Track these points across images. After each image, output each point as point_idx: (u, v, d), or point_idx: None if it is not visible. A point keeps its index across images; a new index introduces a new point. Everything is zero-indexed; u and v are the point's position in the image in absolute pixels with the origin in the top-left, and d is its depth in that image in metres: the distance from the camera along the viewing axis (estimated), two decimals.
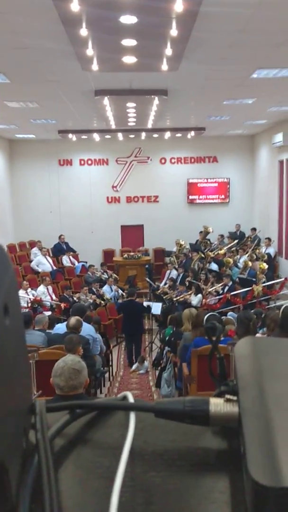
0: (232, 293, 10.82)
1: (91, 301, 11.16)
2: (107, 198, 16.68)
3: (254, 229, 15.46)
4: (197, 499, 0.43)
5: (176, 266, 13.43)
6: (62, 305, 10.80)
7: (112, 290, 12.44)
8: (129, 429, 0.48)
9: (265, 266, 11.50)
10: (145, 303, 10.43)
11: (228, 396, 0.50)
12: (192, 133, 14.79)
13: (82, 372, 2.89)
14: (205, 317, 5.49)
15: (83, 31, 5.52)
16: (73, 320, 5.93)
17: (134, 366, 9.43)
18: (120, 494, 0.40)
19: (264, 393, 0.46)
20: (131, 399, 0.54)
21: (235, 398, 0.49)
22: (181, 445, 0.50)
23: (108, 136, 14.97)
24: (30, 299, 10.83)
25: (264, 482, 0.36)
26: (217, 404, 0.49)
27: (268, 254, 13.08)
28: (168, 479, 0.45)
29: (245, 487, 0.41)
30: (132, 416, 0.51)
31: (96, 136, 14.84)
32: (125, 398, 0.55)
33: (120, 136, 14.81)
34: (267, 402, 0.44)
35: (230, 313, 9.43)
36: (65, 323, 6.27)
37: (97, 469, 0.47)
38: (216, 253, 13.77)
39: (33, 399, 0.53)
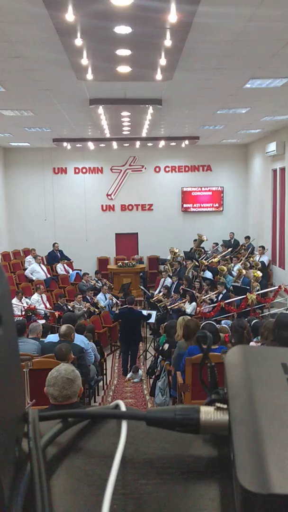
0: (226, 301, 10.83)
1: (85, 309, 11.13)
2: (102, 206, 16.71)
3: (248, 238, 15.53)
4: (187, 506, 0.44)
5: (171, 274, 13.44)
6: (56, 313, 10.76)
7: (106, 298, 12.42)
8: (121, 437, 0.49)
9: (259, 274, 11.54)
10: (145, 312, 10.42)
11: (218, 405, 0.51)
12: (186, 142, 14.88)
13: (76, 381, 2.88)
14: (202, 325, 5.48)
15: (78, 41, 5.56)
16: (63, 327, 5.93)
17: (128, 375, 9.40)
18: (111, 502, 0.41)
19: (254, 401, 0.47)
20: (123, 408, 0.55)
21: (225, 406, 0.50)
22: (172, 453, 0.51)
23: (102, 145, 15.03)
24: (24, 307, 10.79)
25: (252, 488, 0.37)
26: (207, 412, 0.50)
27: (262, 262, 13.13)
28: (159, 487, 0.46)
29: (234, 494, 0.42)
30: (124, 425, 0.52)
31: (90, 145, 14.89)
32: (117, 406, 0.56)
33: (114, 144, 14.87)
34: (256, 410, 0.45)
35: (224, 321, 9.44)
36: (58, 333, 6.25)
37: (89, 477, 0.47)
38: (210, 261, 13.80)
39: (26, 408, 0.53)
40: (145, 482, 0.46)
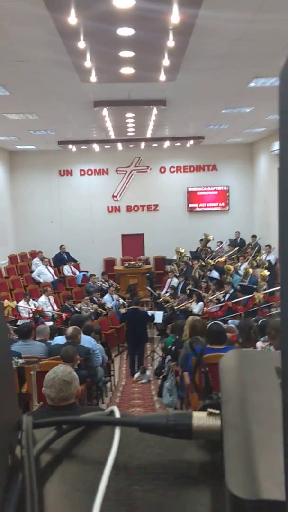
0: (233, 301, 10.79)
1: (93, 310, 11.15)
2: (108, 207, 16.73)
3: (254, 236, 15.47)
4: (179, 511, 0.44)
5: (177, 274, 13.42)
6: (64, 315, 10.78)
7: (113, 299, 12.43)
8: (113, 444, 0.49)
9: (266, 273, 11.48)
10: (149, 312, 10.42)
11: (210, 410, 0.51)
12: (191, 142, 14.86)
13: (73, 383, 2.88)
14: (208, 325, 5.46)
15: (81, 44, 5.58)
16: (70, 329, 5.94)
17: (136, 376, 9.40)
18: (103, 508, 0.41)
19: (246, 407, 0.47)
20: (117, 414, 0.55)
21: (217, 411, 0.50)
22: (165, 458, 0.51)
23: (107, 146, 15.05)
24: (31, 309, 10.82)
25: (240, 494, 0.37)
26: (199, 418, 0.50)
27: (269, 261, 13.06)
28: (151, 493, 0.46)
29: (225, 500, 0.42)
30: (117, 431, 0.52)
31: (95, 147, 14.92)
32: (112, 412, 0.56)
33: (119, 146, 14.88)
34: (248, 416, 0.45)
35: (231, 320, 9.41)
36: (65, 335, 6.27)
37: (82, 483, 0.48)
38: (216, 261, 13.76)
39: (24, 414, 0.54)
40: (137, 488, 0.47)
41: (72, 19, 4.84)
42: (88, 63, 6.30)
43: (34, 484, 0.43)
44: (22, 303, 10.96)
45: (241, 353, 0.59)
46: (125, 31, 5.32)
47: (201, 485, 0.47)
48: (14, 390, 0.53)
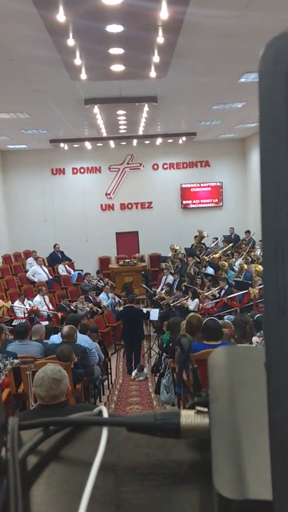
0: (228, 297, 10.81)
1: (88, 309, 11.14)
2: (101, 205, 16.70)
3: (248, 232, 15.50)
4: None
5: (172, 271, 13.43)
6: (59, 314, 10.76)
7: (109, 298, 12.42)
8: (100, 445, 0.49)
9: (261, 268, 11.48)
10: (145, 310, 10.42)
11: (198, 408, 0.50)
12: (184, 138, 14.85)
13: (63, 381, 2.87)
14: (204, 321, 5.46)
15: (70, 41, 5.55)
16: (66, 328, 5.93)
17: (133, 373, 9.40)
18: (90, 510, 0.40)
19: (234, 404, 0.46)
20: (105, 414, 0.55)
21: (205, 409, 0.50)
22: (154, 458, 0.50)
23: (100, 144, 15.01)
24: (27, 309, 10.79)
25: (227, 494, 0.36)
26: (187, 416, 0.50)
27: (262, 258, 13.07)
28: (139, 494, 0.45)
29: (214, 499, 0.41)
30: (104, 432, 0.51)
31: (88, 145, 14.87)
32: (100, 413, 0.55)
33: (111, 143, 14.85)
34: (236, 414, 0.45)
35: (227, 316, 9.43)
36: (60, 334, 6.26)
37: (69, 486, 0.47)
38: (211, 257, 13.77)
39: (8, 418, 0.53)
40: (125, 489, 0.46)
41: (61, 16, 4.82)
42: (78, 61, 6.27)
43: (19, 488, 0.42)
44: (17, 303, 10.93)
45: (230, 349, 0.59)
46: (114, 28, 5.29)
47: (190, 484, 0.46)
48: (0, 393, 0.52)
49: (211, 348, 4.56)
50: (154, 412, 0.50)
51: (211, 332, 4.96)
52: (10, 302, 10.84)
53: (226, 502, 0.36)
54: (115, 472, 0.48)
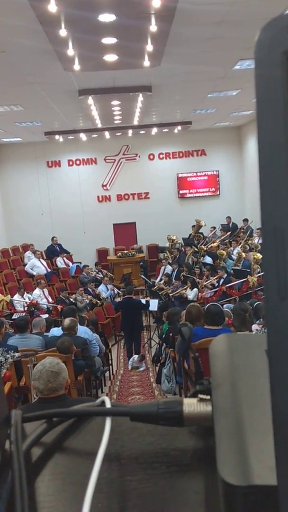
0: (227, 285, 10.84)
1: (88, 301, 11.16)
2: (98, 197, 16.65)
3: (246, 220, 15.49)
4: (172, 500, 0.44)
5: (170, 262, 13.44)
6: (59, 307, 10.78)
7: (108, 289, 12.44)
8: (104, 435, 0.49)
9: (259, 256, 11.52)
10: (143, 300, 10.44)
11: (201, 396, 0.50)
12: (179, 127, 14.78)
13: (61, 374, 2.87)
14: (206, 306, 5.45)
15: (63, 32, 5.50)
16: (67, 321, 5.94)
17: (130, 361, 9.43)
18: (96, 500, 0.41)
19: (236, 391, 0.46)
20: (108, 404, 0.55)
21: (208, 397, 0.50)
22: (157, 447, 0.51)
23: (95, 135, 14.94)
24: (26, 303, 10.81)
25: (232, 480, 0.36)
26: (190, 404, 0.50)
27: (261, 244, 13.09)
28: (144, 482, 0.46)
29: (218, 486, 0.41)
30: (108, 422, 0.51)
31: (83, 136, 14.80)
32: (103, 403, 0.55)
33: (107, 134, 14.78)
34: (239, 400, 0.45)
35: (226, 305, 9.45)
36: (61, 327, 6.28)
37: (74, 476, 0.47)
38: (209, 246, 13.78)
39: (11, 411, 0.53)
40: (130, 478, 0.46)
41: (52, 6, 4.77)
42: (70, 51, 6.21)
43: (23, 480, 0.42)
44: (16, 296, 10.94)
45: (231, 337, 0.59)
46: (107, 17, 5.25)
47: (194, 472, 0.47)
48: (2, 387, 0.52)
49: (212, 333, 4.57)
50: (157, 401, 0.50)
51: (213, 317, 4.97)
52: (9, 296, 10.85)
53: (231, 489, 0.36)
54: (119, 462, 0.49)
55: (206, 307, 5.42)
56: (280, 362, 0.33)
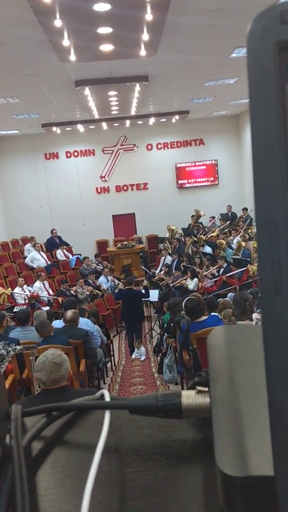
0: (227, 275, 10.85)
1: (88, 293, 11.17)
2: (96, 188, 16.61)
3: (245, 209, 15.46)
4: (172, 492, 0.44)
5: (170, 252, 13.44)
6: (60, 299, 10.80)
7: (108, 281, 12.45)
8: (103, 428, 0.49)
9: None
10: (143, 290, 10.46)
11: (199, 388, 0.50)
12: (177, 117, 14.70)
13: (64, 365, 2.89)
14: (184, 302, 5.40)
15: (58, 22, 5.45)
16: (69, 313, 5.95)
17: (133, 355, 9.47)
18: (96, 493, 0.41)
19: (234, 382, 0.46)
20: (107, 397, 0.55)
21: (206, 389, 0.50)
22: (157, 439, 0.51)
23: (92, 126, 14.86)
24: (27, 295, 10.82)
25: (230, 471, 0.37)
26: (188, 396, 0.50)
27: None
28: (144, 474, 0.46)
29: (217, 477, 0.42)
30: (107, 415, 0.52)
31: (80, 127, 14.72)
32: (102, 396, 0.56)
33: (104, 125, 14.70)
34: (236, 391, 0.45)
35: (230, 294, 9.44)
36: (62, 319, 6.29)
37: (74, 469, 0.47)
38: (209, 236, 13.77)
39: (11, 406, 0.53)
40: (130, 470, 0.47)
41: None
42: (66, 42, 6.16)
43: (24, 474, 0.43)
44: (17, 289, 10.95)
45: (229, 328, 0.59)
46: (102, 7, 5.19)
47: (193, 463, 0.47)
48: (2, 382, 0.53)
49: (199, 326, 4.57)
50: (156, 394, 0.51)
51: (192, 311, 4.96)
52: (10, 289, 10.87)
53: (229, 479, 0.36)
54: (119, 454, 0.49)
55: (183, 302, 5.33)
56: (276, 354, 0.33)
